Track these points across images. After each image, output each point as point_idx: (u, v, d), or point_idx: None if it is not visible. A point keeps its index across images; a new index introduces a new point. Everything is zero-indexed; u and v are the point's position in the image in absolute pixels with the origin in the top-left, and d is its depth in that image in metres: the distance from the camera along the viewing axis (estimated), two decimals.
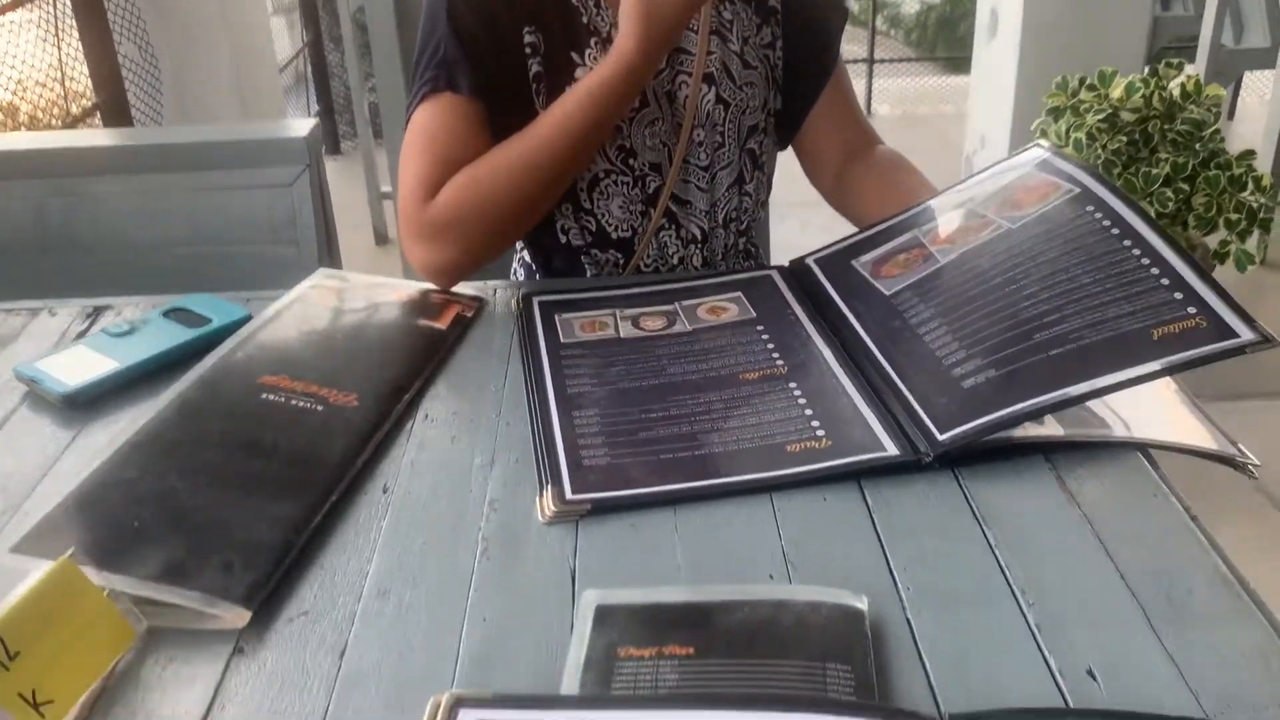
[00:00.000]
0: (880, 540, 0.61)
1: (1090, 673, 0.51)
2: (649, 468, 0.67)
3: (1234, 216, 1.71)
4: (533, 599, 0.58)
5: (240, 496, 0.65)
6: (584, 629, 0.53)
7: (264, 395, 0.75)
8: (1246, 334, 0.63)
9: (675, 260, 1.03)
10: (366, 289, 0.93)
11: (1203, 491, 1.67)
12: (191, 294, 0.91)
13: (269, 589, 0.58)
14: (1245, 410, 1.83)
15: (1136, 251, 0.70)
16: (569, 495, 0.65)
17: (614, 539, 0.62)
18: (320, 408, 0.74)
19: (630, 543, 0.62)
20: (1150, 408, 0.72)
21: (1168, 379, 0.73)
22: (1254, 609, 0.55)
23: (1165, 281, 0.67)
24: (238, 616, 0.56)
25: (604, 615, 0.54)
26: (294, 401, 0.74)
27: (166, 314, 0.87)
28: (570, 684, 0.50)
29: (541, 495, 0.65)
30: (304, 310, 0.88)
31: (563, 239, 1.01)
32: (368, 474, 0.69)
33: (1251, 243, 1.77)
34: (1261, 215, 1.74)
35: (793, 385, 0.74)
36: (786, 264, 0.92)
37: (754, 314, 0.84)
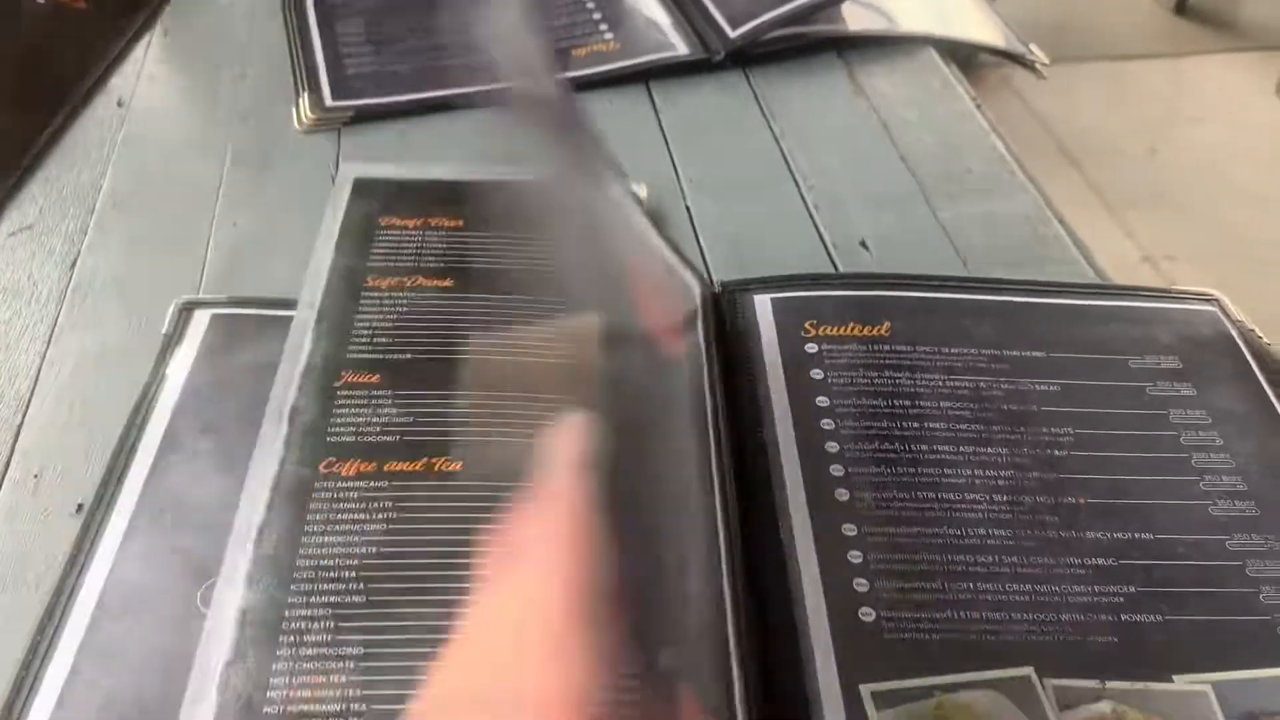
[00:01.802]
0: (665, 138, 0.58)
1: (863, 243, 0.51)
2: (420, 75, 0.61)
3: None
4: (289, 206, 0.53)
5: None
6: (340, 199, 0.49)
7: None
8: None
9: None
10: None
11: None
12: None
13: None
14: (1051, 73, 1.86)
15: None
16: (329, 102, 0.59)
17: (381, 148, 0.57)
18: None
19: (399, 151, 0.57)
20: (947, 5, 0.70)
21: None
22: (1027, 184, 0.55)
23: None
24: None
25: (364, 187, 0.49)
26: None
27: None
28: (322, 255, 0.46)
29: (298, 102, 0.59)
30: None
31: None
32: (100, 88, 0.61)
33: None
34: None
35: None
36: None
37: None
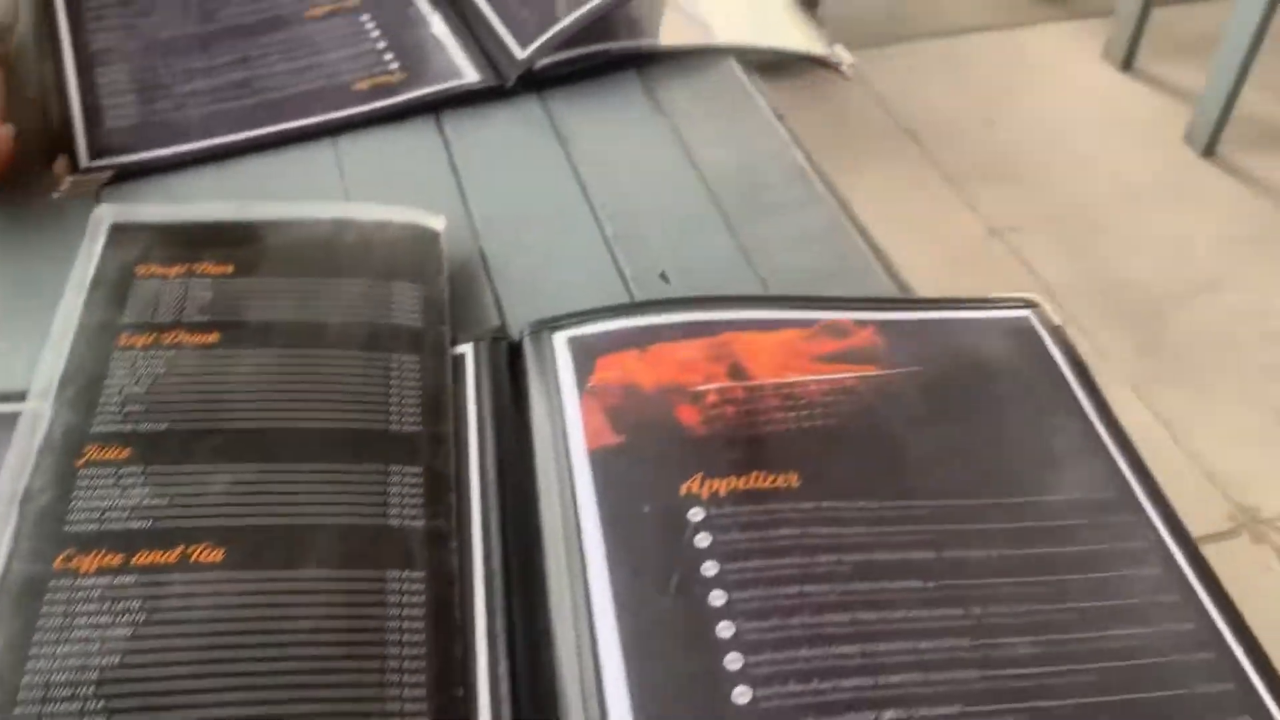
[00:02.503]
0: (456, 172, 0.55)
1: (663, 275, 0.49)
2: (189, 123, 0.57)
3: None
4: (41, 281, 0.48)
5: None
6: (94, 247, 0.44)
7: None
8: None
9: None
10: None
11: (849, 138, 1.74)
12: None
13: None
14: (890, 55, 1.90)
15: None
16: (84, 162, 0.54)
17: None
18: None
19: None
20: (748, 12, 0.69)
21: None
22: (827, 195, 0.54)
23: None
24: None
25: (122, 233, 0.45)
26: None
27: None
28: (69, 312, 0.42)
29: (51, 168, 0.54)
30: None
31: None
32: None
33: None
34: None
35: (365, 17, 0.65)
36: None
37: None
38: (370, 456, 0.39)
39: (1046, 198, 1.65)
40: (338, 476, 0.38)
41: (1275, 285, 1.51)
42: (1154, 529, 0.39)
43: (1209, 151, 1.72)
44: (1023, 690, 0.34)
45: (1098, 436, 0.42)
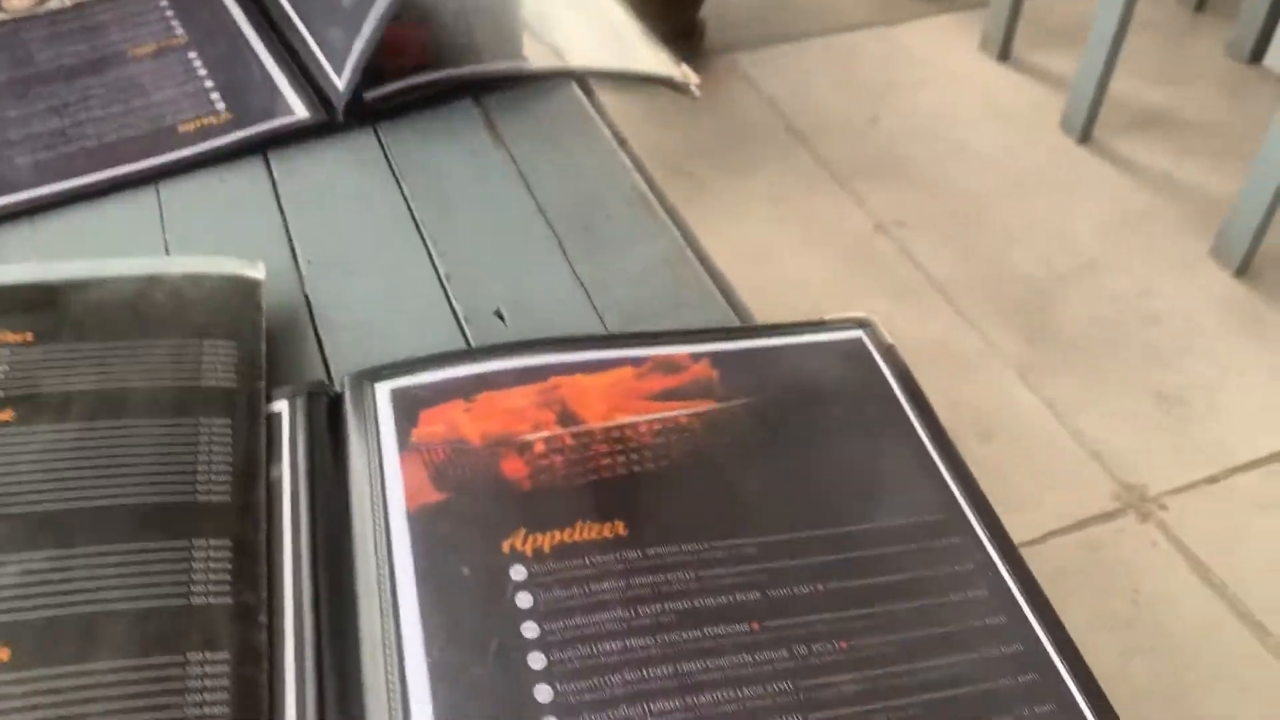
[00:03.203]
0: (283, 214, 0.53)
1: (498, 314, 0.48)
2: (36, 168, 0.54)
3: None
4: None
5: None
6: None
7: None
8: None
9: None
10: None
11: (738, 141, 1.75)
12: None
13: None
14: (776, 55, 1.91)
15: None
16: None
17: None
18: None
19: None
20: (591, 35, 0.68)
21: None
22: (668, 223, 0.54)
23: None
24: None
25: None
26: None
27: None
28: None
29: None
30: None
31: None
32: None
33: None
34: None
35: (192, 55, 0.62)
36: None
37: None
38: (174, 532, 0.37)
39: (931, 192, 1.67)
40: (137, 557, 0.36)
41: (1153, 267, 1.56)
42: (982, 548, 0.39)
43: (1085, 138, 1.76)
44: None
45: (928, 457, 0.42)
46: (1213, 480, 1.28)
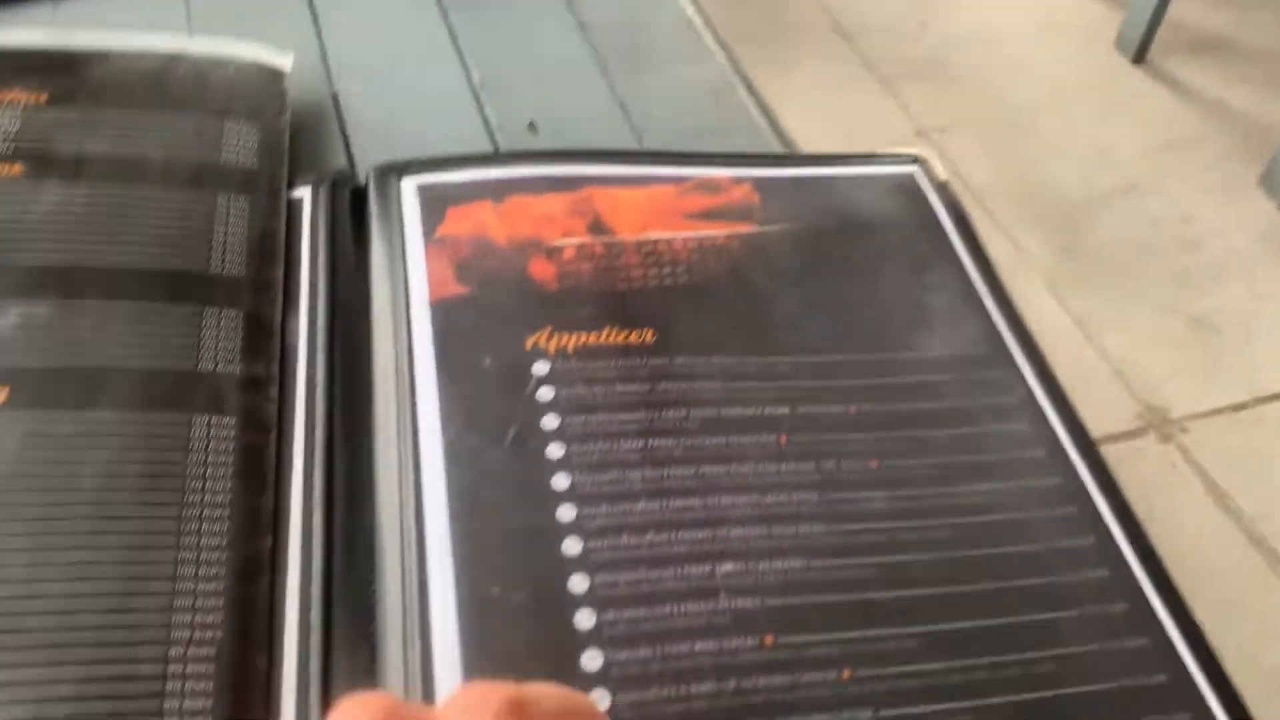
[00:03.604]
0: (314, 13, 0.50)
1: (531, 125, 0.46)
2: None
3: None
4: None
5: None
6: None
7: None
8: None
9: None
10: None
11: (784, 35, 1.69)
12: None
13: None
14: None
15: None
16: None
17: None
18: None
19: None
20: None
21: None
22: (716, 50, 0.51)
23: None
24: None
25: None
26: None
27: None
28: None
29: None
30: None
31: None
32: None
33: None
34: None
35: None
36: None
37: None
38: (184, 298, 0.35)
39: (976, 100, 1.62)
40: (145, 317, 0.34)
41: (1197, 193, 1.51)
42: (1025, 384, 0.37)
43: (1139, 58, 1.70)
44: (872, 545, 0.32)
45: (975, 293, 0.40)
46: (1239, 408, 1.26)
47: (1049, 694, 0.29)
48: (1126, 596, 0.32)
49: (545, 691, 0.20)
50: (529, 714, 0.19)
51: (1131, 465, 1.19)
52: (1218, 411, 1.26)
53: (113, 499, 0.30)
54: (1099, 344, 1.31)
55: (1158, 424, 1.23)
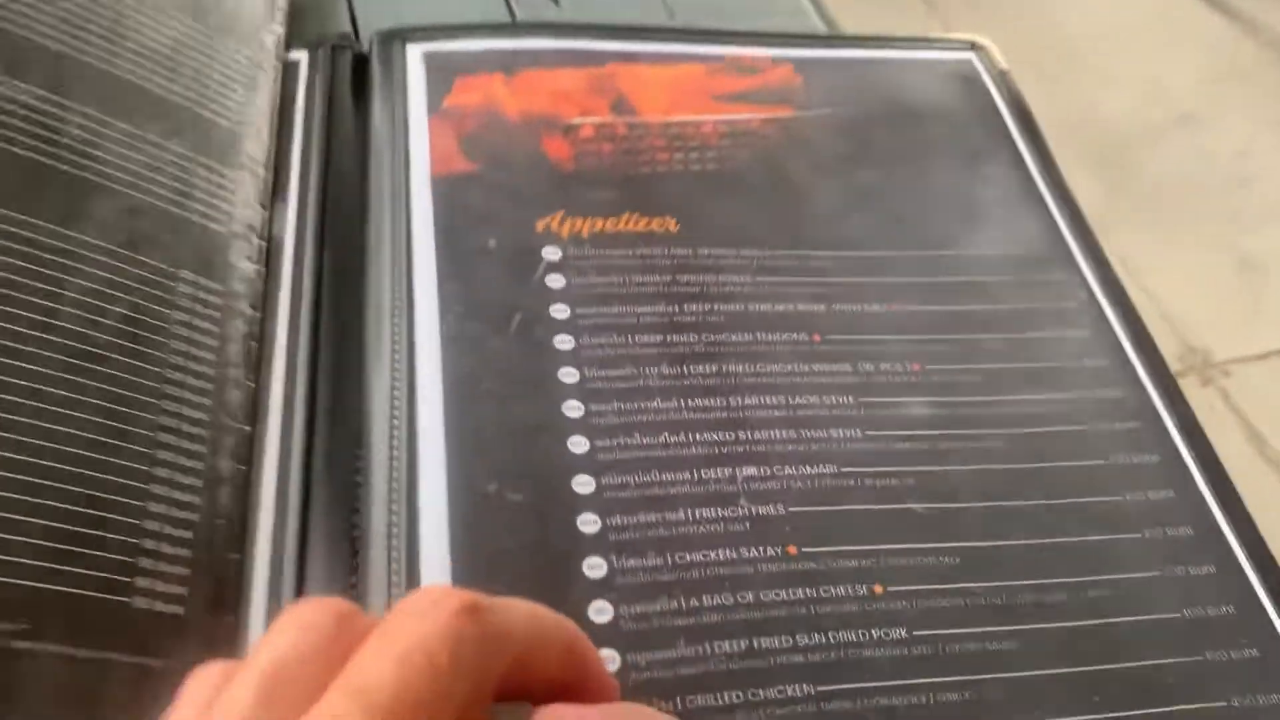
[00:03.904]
0: None
1: None
2: None
3: None
4: None
5: None
6: None
7: None
8: None
9: None
10: None
11: None
12: None
13: None
14: None
15: None
16: None
17: None
18: None
19: None
20: None
21: None
22: None
23: None
24: None
25: None
26: None
27: None
28: None
29: None
30: None
31: None
32: None
33: None
34: None
35: None
36: None
37: None
38: (177, 134, 0.32)
39: (1029, 25, 1.55)
40: (138, 146, 0.31)
41: (1254, 127, 1.44)
42: (1086, 288, 0.34)
43: None
44: (911, 453, 0.29)
45: (1036, 190, 0.36)
46: None
47: (1101, 622, 0.26)
48: (1193, 521, 0.29)
49: (511, 603, 0.18)
50: (486, 621, 0.17)
51: None
52: (1262, 356, 1.21)
53: (95, 336, 0.27)
54: (1142, 283, 1.26)
55: (1199, 366, 1.19)
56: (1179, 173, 1.39)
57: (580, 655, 0.19)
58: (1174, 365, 1.23)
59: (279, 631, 0.17)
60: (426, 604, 0.17)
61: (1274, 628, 0.27)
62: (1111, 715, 0.25)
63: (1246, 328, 1.24)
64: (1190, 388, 1.17)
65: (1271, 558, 0.28)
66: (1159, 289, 1.26)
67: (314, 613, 0.17)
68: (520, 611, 0.18)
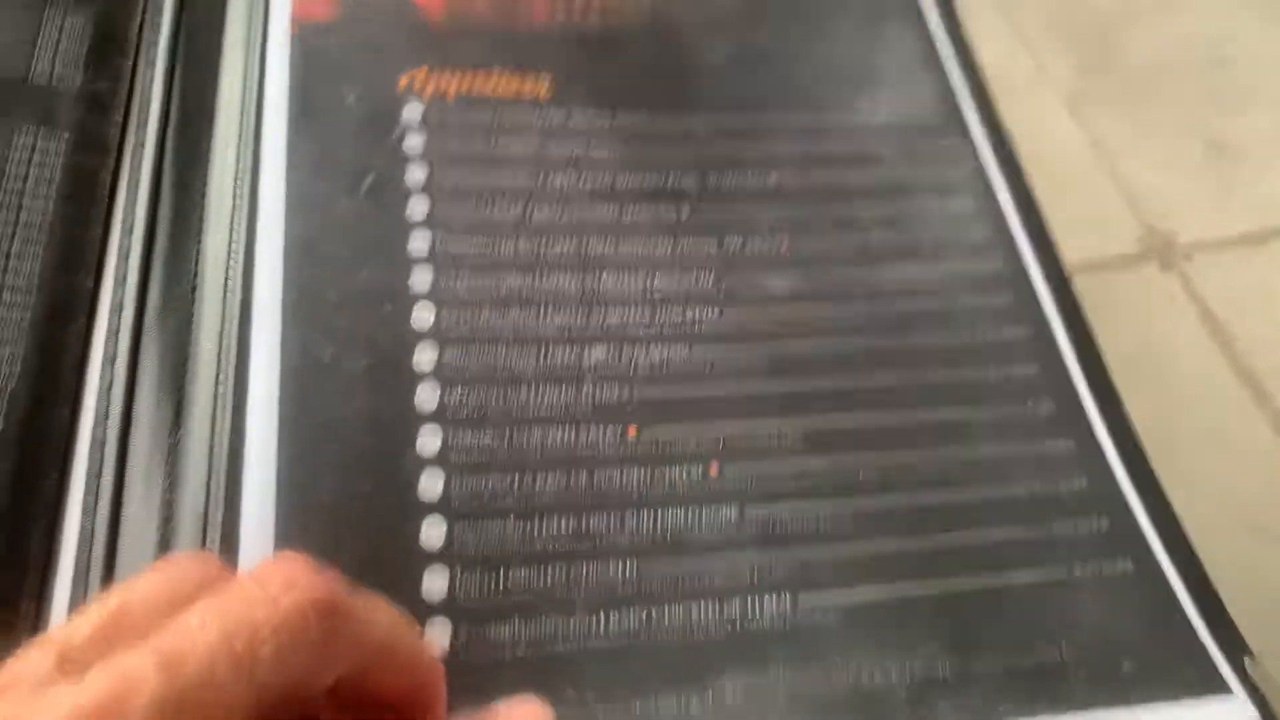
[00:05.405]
0: None
1: None
2: None
3: None
4: None
5: None
6: None
7: None
8: None
9: None
10: None
11: None
12: None
13: None
14: None
15: None
16: None
17: None
18: None
19: None
20: None
21: None
22: None
23: None
24: None
25: None
26: None
27: None
28: None
29: None
30: None
31: None
32: None
33: None
34: None
35: None
36: None
37: None
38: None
39: None
40: None
41: (1240, 9, 1.40)
42: (975, 157, 0.32)
43: None
44: (764, 331, 0.28)
45: (935, 53, 0.35)
46: (1249, 240, 1.20)
47: (946, 498, 0.26)
48: (1055, 395, 0.28)
49: (374, 613, 0.18)
50: (335, 628, 0.16)
51: (1127, 290, 1.14)
52: (1226, 242, 1.20)
53: None
54: (1112, 166, 1.23)
55: (1160, 249, 1.18)
56: (1158, 55, 1.35)
57: (429, 689, 0.19)
58: (1133, 248, 1.22)
59: (145, 573, 0.17)
60: (280, 585, 0.16)
61: (1125, 499, 0.27)
62: (947, 585, 0.25)
63: (1215, 213, 1.22)
64: (1150, 272, 1.16)
65: (1131, 431, 0.28)
66: (1130, 172, 1.24)
67: (184, 561, 0.17)
68: (379, 628, 0.17)
